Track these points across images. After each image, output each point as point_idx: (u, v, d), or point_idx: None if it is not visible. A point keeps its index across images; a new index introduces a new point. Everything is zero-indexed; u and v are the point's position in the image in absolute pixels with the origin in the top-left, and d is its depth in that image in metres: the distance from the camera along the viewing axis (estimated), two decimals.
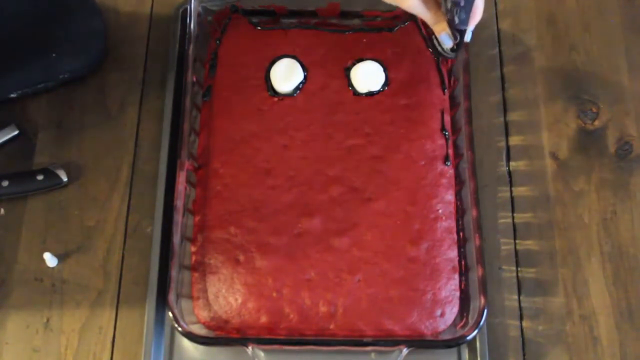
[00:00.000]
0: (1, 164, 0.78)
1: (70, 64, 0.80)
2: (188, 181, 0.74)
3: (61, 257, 0.74)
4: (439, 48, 0.73)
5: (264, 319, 0.71)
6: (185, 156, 0.73)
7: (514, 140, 0.81)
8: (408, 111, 0.78)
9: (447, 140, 0.77)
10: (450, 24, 0.68)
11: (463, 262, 0.73)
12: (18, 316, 0.73)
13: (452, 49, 0.72)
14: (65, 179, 0.77)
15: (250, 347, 0.67)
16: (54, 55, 0.79)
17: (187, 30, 0.78)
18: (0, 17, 0.80)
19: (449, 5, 0.66)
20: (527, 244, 0.77)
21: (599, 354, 0.73)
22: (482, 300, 0.68)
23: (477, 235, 0.70)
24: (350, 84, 0.79)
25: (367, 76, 0.79)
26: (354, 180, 0.75)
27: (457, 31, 0.69)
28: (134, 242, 0.76)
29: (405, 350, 0.67)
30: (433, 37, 0.73)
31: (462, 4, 0.66)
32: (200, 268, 0.73)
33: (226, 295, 0.71)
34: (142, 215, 0.77)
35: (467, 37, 0.70)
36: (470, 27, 0.69)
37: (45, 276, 0.73)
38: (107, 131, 0.80)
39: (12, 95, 0.80)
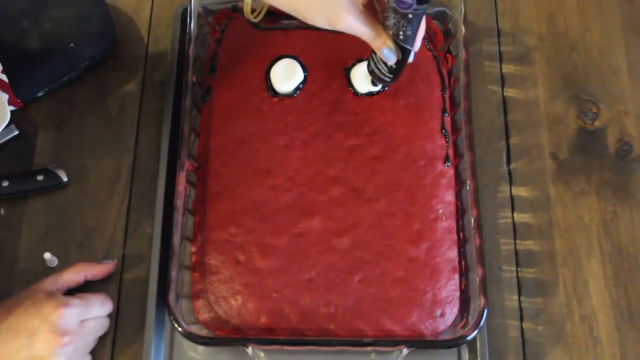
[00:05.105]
0: (1, 164, 0.78)
1: (89, 49, 0.80)
2: (188, 181, 0.74)
3: (61, 257, 0.74)
4: (377, 70, 0.71)
5: (264, 319, 0.71)
6: (185, 156, 0.73)
7: (514, 140, 0.81)
8: (408, 111, 0.78)
9: (447, 140, 0.77)
10: (394, 38, 0.64)
11: (463, 263, 0.73)
12: None
13: (391, 70, 0.68)
14: (65, 179, 0.77)
15: (250, 348, 0.67)
16: (72, 44, 0.79)
17: (187, 30, 0.78)
18: (15, 17, 0.80)
19: (392, 20, 0.63)
20: (527, 244, 0.77)
21: (599, 354, 0.73)
22: (482, 301, 0.68)
23: (477, 235, 0.70)
24: (350, 84, 0.79)
25: (367, 76, 0.79)
26: (354, 180, 0.75)
27: (400, 48, 0.65)
28: (134, 242, 0.76)
29: (405, 351, 0.67)
30: (370, 57, 0.71)
31: (410, 16, 0.61)
32: (200, 268, 0.73)
33: (226, 295, 0.71)
34: (142, 215, 0.77)
35: (411, 58, 0.67)
36: (416, 49, 0.66)
37: (45, 276, 0.73)
38: (107, 131, 0.80)
39: (39, 94, 0.80)
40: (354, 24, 0.64)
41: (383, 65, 0.70)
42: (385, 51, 0.67)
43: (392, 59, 0.67)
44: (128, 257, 0.75)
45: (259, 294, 0.71)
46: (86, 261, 0.72)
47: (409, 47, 0.65)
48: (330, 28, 0.65)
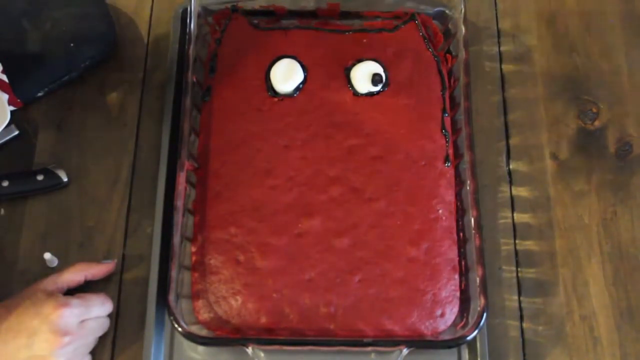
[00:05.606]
0: (1, 164, 0.78)
1: (89, 49, 0.80)
2: (188, 181, 0.74)
3: (61, 257, 0.74)
4: None
5: (264, 320, 0.71)
6: (185, 156, 0.73)
7: (514, 140, 0.81)
8: (408, 111, 0.78)
9: (447, 140, 0.77)
10: None
11: (463, 263, 0.73)
12: None
13: None
14: (65, 179, 0.77)
15: (250, 348, 0.67)
16: (72, 44, 0.79)
17: (187, 30, 0.78)
18: (15, 17, 0.80)
19: None
20: (527, 244, 0.77)
21: (599, 354, 0.73)
22: (482, 301, 0.68)
23: (477, 235, 0.70)
24: (350, 84, 0.79)
25: (367, 76, 0.79)
26: (354, 180, 0.75)
27: None
28: (134, 242, 0.76)
29: (405, 351, 0.67)
30: None
31: None
32: (200, 268, 0.73)
33: (226, 295, 0.71)
34: (142, 215, 0.77)
35: None
36: None
37: (45, 276, 0.73)
38: (107, 131, 0.80)
39: (40, 94, 0.80)
40: None
41: None
42: None
43: None
44: (128, 257, 0.75)
45: (259, 294, 0.71)
46: (86, 261, 0.72)
47: None
48: None
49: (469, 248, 0.72)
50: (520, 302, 0.75)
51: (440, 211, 0.75)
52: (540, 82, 0.84)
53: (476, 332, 0.67)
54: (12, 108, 0.79)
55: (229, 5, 0.82)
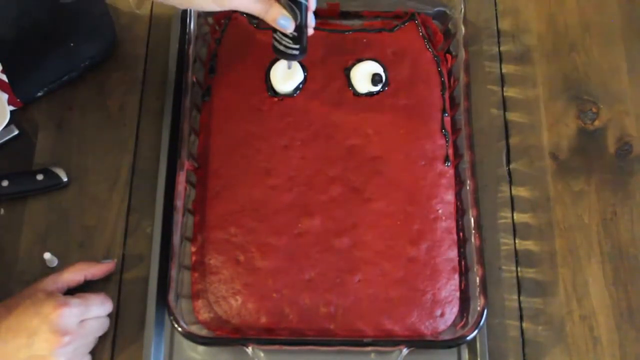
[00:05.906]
0: (1, 164, 0.78)
1: (89, 49, 0.80)
2: (188, 181, 0.74)
3: (61, 257, 0.74)
4: (282, 47, 0.70)
5: (264, 319, 0.71)
6: (185, 156, 0.73)
7: (514, 140, 0.81)
8: (408, 111, 0.78)
9: (447, 140, 0.77)
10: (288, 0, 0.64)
11: (463, 262, 0.73)
12: None
13: (294, 40, 0.67)
14: (65, 179, 0.77)
15: (250, 348, 0.67)
16: (72, 44, 0.79)
17: (187, 30, 0.78)
18: (15, 17, 0.80)
19: None
20: (527, 244, 0.77)
21: (599, 354, 0.73)
22: (482, 301, 0.68)
23: (477, 235, 0.70)
24: (350, 84, 0.79)
25: (367, 76, 0.79)
26: (354, 180, 0.75)
27: (295, 4, 0.65)
28: (134, 242, 0.76)
29: (405, 350, 0.67)
30: (273, 38, 0.70)
31: None
32: (200, 268, 0.73)
33: (226, 295, 0.71)
34: (142, 215, 0.77)
35: (311, 20, 0.65)
36: (312, 6, 0.65)
37: (45, 276, 0.73)
38: (107, 131, 0.80)
39: (39, 94, 0.80)
40: (242, 2, 0.64)
41: (286, 39, 0.69)
42: (281, 21, 0.66)
43: (290, 25, 0.66)
44: (128, 257, 0.75)
45: (259, 294, 0.71)
46: (86, 261, 0.72)
47: (303, 1, 0.65)
48: (219, 9, 0.65)
49: (468, 248, 0.72)
50: (520, 302, 0.75)
51: (440, 211, 0.75)
52: (540, 82, 0.84)
53: (476, 332, 0.67)
54: (12, 108, 0.79)
55: None
